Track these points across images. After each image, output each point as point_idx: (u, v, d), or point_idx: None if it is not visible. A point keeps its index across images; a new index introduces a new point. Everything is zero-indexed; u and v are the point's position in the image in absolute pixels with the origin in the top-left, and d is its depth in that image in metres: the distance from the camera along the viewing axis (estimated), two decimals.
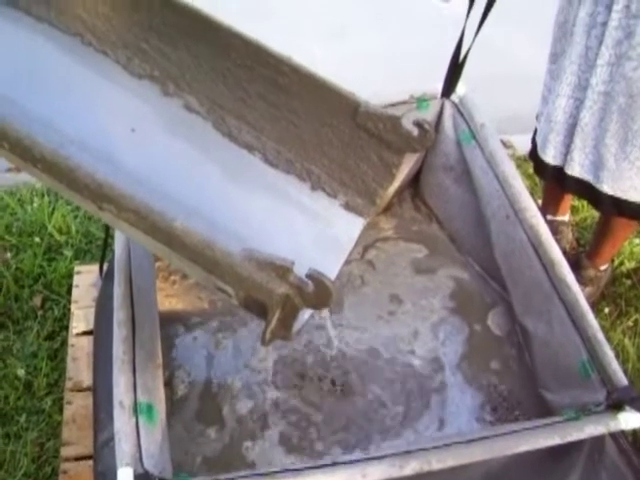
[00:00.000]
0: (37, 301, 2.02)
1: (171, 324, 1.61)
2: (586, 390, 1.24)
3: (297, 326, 1.09)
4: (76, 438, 1.59)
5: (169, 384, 1.47)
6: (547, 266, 1.38)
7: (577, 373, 1.28)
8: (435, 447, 1.09)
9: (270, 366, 1.52)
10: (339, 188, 1.32)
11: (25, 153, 1.04)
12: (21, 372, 1.84)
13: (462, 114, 1.67)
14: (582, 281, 2.00)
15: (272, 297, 0.96)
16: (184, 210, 1.22)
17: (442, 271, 1.74)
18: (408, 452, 1.07)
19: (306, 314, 1.13)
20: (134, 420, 1.10)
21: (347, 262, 1.67)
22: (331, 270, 1.25)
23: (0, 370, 1.86)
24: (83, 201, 1.10)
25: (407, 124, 1.22)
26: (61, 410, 1.70)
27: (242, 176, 1.34)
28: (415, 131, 1.22)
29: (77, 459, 1.56)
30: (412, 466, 1.05)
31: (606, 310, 2.03)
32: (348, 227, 1.32)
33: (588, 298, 1.83)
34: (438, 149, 1.75)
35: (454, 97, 1.69)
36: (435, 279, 1.72)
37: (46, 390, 1.81)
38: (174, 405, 1.44)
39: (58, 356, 1.88)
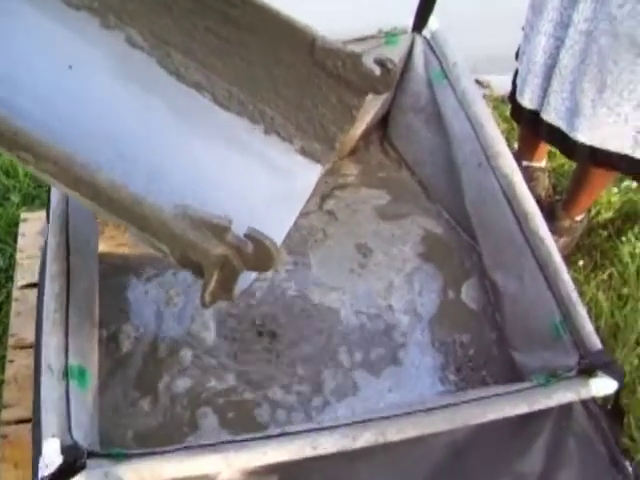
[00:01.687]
0: None
1: (122, 274, 1.51)
2: (557, 352, 1.17)
3: (242, 286, 0.99)
4: (17, 399, 1.49)
5: (114, 339, 1.39)
6: (520, 218, 1.30)
7: (548, 334, 1.21)
8: (392, 416, 1.01)
9: (216, 330, 1.42)
10: (295, 132, 1.22)
11: None
12: None
13: (434, 50, 1.55)
14: (557, 232, 1.91)
15: (208, 257, 0.87)
16: (122, 157, 1.11)
17: (410, 218, 1.64)
18: (362, 422, 0.99)
19: (253, 274, 1.04)
20: (64, 385, 1.01)
21: (305, 214, 1.58)
22: (285, 221, 1.17)
23: None
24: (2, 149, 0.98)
25: (368, 62, 1.11)
26: (3, 368, 1.60)
27: (189, 118, 1.24)
28: (377, 70, 1.11)
29: (17, 422, 1.46)
30: (366, 437, 0.98)
31: (580, 262, 1.94)
32: (304, 174, 1.23)
33: (562, 250, 1.75)
34: (408, 88, 1.64)
35: (426, 32, 1.57)
36: (403, 225, 1.62)
37: None
38: (116, 363, 1.35)
39: (2, 309, 1.77)
